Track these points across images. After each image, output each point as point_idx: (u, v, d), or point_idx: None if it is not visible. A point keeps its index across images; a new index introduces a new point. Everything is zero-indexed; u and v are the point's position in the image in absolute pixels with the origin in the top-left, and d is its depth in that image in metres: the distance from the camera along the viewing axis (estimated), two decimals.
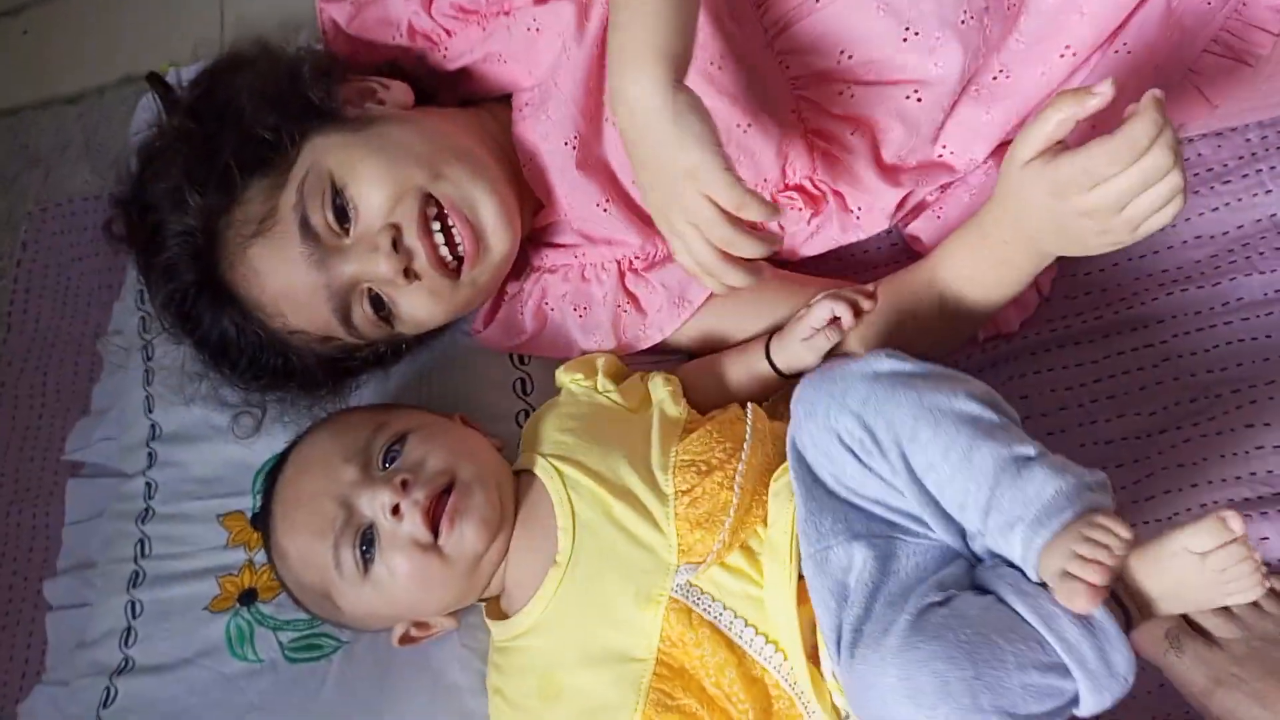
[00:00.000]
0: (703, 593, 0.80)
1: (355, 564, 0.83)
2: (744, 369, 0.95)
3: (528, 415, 1.00)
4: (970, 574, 0.73)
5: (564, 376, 0.96)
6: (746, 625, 0.79)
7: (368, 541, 0.83)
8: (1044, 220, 0.77)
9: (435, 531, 0.82)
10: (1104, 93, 0.71)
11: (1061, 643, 0.66)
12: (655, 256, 0.98)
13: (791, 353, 0.92)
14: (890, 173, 0.95)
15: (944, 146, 0.96)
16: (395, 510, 0.81)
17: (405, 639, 0.89)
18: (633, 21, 0.74)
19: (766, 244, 0.76)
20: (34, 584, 1.16)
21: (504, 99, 1.00)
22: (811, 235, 1.01)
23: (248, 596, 1.00)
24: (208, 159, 0.88)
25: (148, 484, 1.07)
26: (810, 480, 0.77)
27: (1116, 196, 0.72)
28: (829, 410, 0.74)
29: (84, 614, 1.08)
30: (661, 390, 0.92)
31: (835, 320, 0.89)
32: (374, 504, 0.82)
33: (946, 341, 0.93)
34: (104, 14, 1.55)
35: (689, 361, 1.00)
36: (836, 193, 0.98)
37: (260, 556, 1.02)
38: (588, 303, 0.99)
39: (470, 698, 0.90)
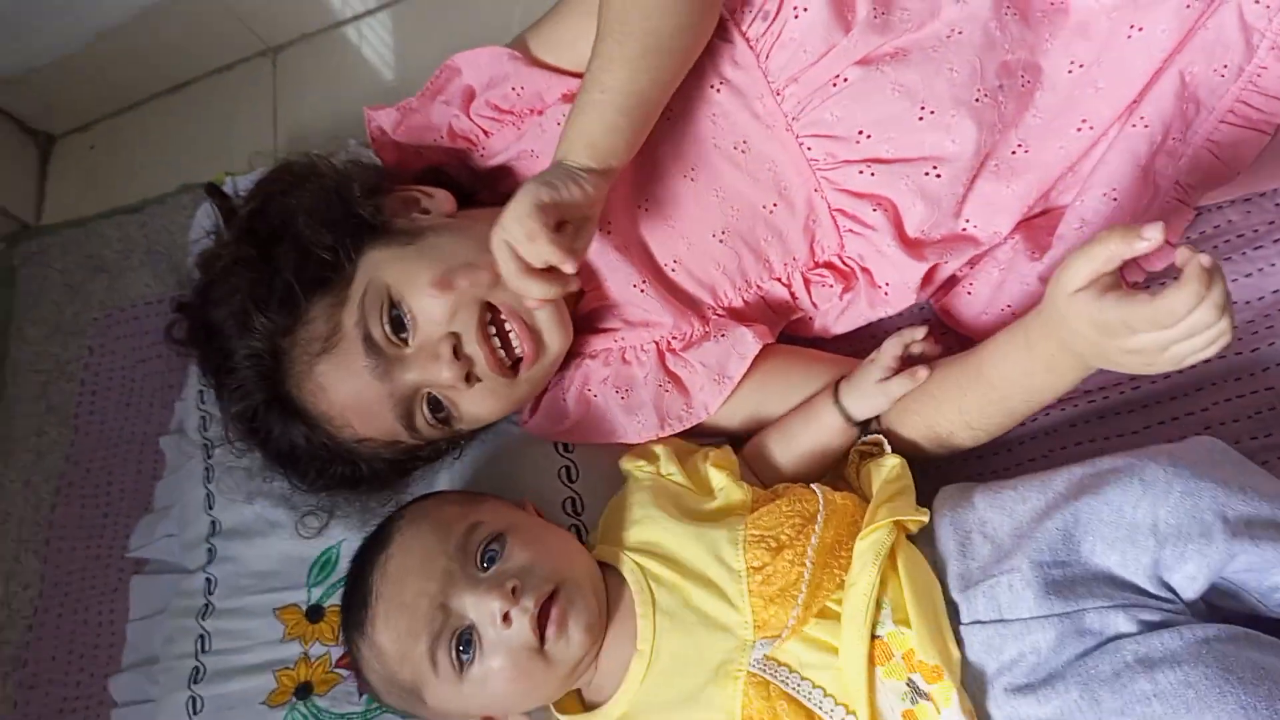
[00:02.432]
0: (780, 664, 0.81)
1: (452, 665, 0.83)
2: (810, 424, 0.96)
3: (574, 502, 1.03)
4: None
5: (628, 465, 0.98)
6: (825, 695, 0.80)
7: (465, 643, 0.83)
8: (1088, 346, 0.77)
9: (540, 635, 0.83)
10: (1153, 238, 0.70)
11: None
12: (692, 336, 1.01)
13: (865, 397, 0.93)
14: (914, 247, 0.97)
15: (967, 220, 0.98)
16: (506, 617, 0.82)
17: None
18: (584, 113, 0.88)
19: (555, 286, 0.85)
20: (100, 680, 1.19)
21: None
22: (843, 312, 1.03)
23: (303, 690, 1.03)
24: (268, 280, 0.92)
25: (208, 579, 1.11)
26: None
27: (1159, 345, 0.73)
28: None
29: (148, 710, 1.11)
30: (720, 478, 0.93)
31: (909, 359, 0.91)
32: (481, 609, 0.83)
33: (988, 432, 0.93)
34: (165, 127, 1.64)
35: (749, 444, 1.01)
36: (865, 269, 1.00)
37: (315, 649, 1.04)
38: (630, 385, 1.01)
39: None
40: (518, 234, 0.83)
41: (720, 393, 0.97)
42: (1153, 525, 0.75)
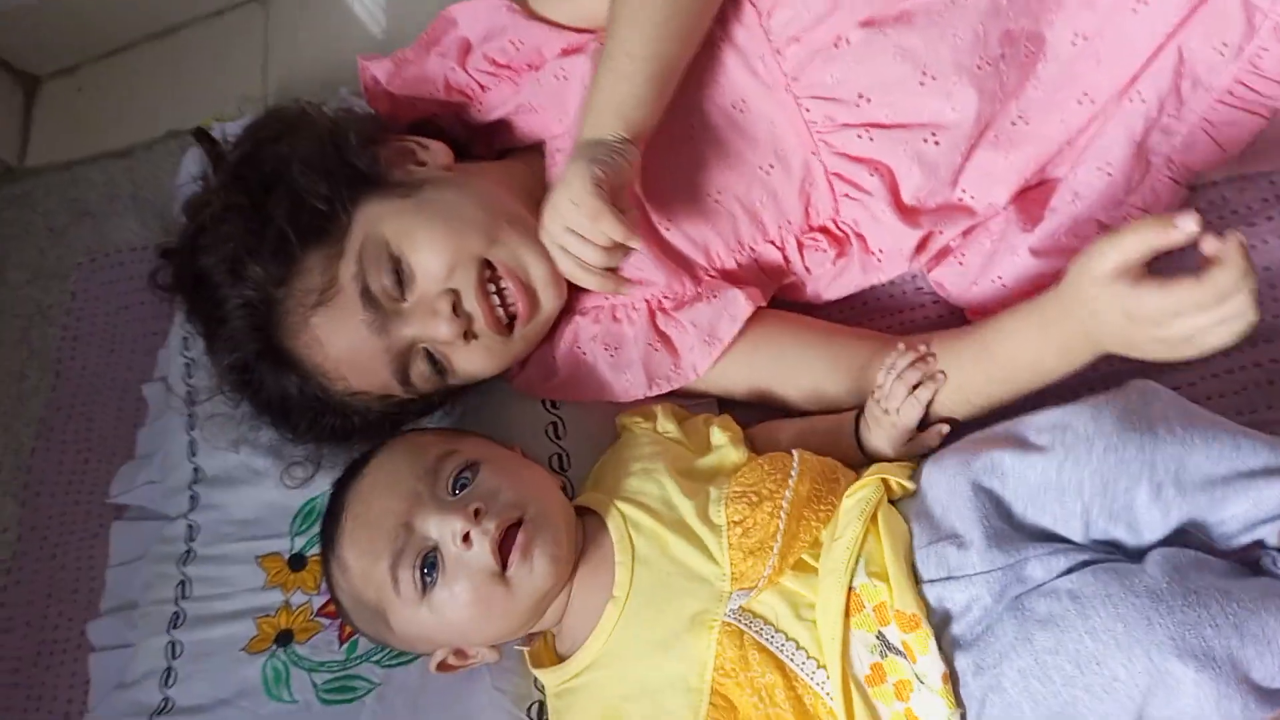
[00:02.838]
0: (755, 616, 0.82)
1: (414, 585, 0.84)
2: (828, 446, 0.94)
3: (560, 458, 1.03)
4: None
5: (625, 420, 0.99)
6: (798, 648, 0.81)
7: (429, 564, 0.84)
8: (1112, 333, 0.77)
9: (503, 563, 0.83)
10: (1187, 229, 0.70)
11: None
12: (684, 296, 1.00)
13: (879, 438, 0.92)
14: (909, 214, 0.97)
15: (963, 190, 0.98)
16: (466, 537, 0.82)
17: (443, 666, 0.91)
18: (614, 83, 0.87)
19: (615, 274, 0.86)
20: (78, 625, 1.18)
21: (535, 146, 1.03)
22: (836, 278, 1.03)
23: (284, 638, 1.02)
24: (260, 229, 0.91)
25: (189, 526, 1.11)
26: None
27: (1191, 331, 0.73)
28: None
29: (126, 655, 1.10)
30: (721, 437, 0.94)
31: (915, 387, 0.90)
32: (443, 529, 0.83)
33: (986, 408, 0.92)
34: (153, 72, 1.60)
35: (762, 424, 1.00)
36: (859, 235, 1.00)
37: (297, 597, 1.04)
38: (619, 343, 1.01)
39: None
40: (578, 217, 0.82)
41: (710, 354, 0.97)
42: (1078, 487, 0.77)
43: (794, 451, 0.89)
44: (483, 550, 0.83)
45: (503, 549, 0.83)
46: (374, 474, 0.88)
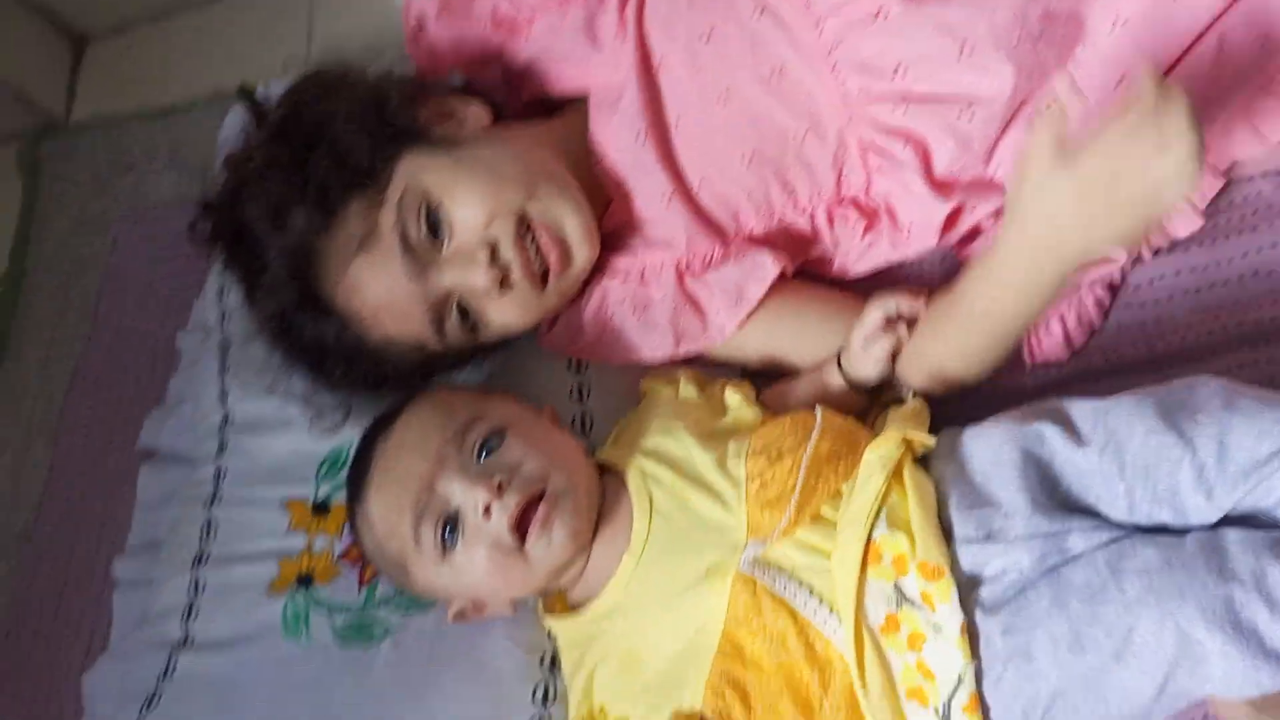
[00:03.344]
0: (769, 566, 0.83)
1: (435, 545, 0.86)
2: (817, 385, 0.98)
3: (583, 420, 1.04)
4: None
5: (649, 384, 1.01)
6: (811, 594, 0.82)
7: (451, 526, 0.86)
8: (1073, 226, 0.78)
9: (522, 534, 0.85)
10: (1063, 87, 0.75)
11: None
12: (711, 258, 1.02)
13: (855, 361, 0.95)
14: (941, 186, 0.98)
15: (997, 167, 0.99)
16: (487, 510, 0.84)
17: (460, 615, 0.92)
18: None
19: None
20: (104, 563, 1.21)
21: (576, 106, 1.05)
22: (864, 253, 1.03)
23: (305, 579, 1.04)
24: (302, 182, 0.93)
25: (217, 470, 1.12)
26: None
27: (1141, 177, 0.73)
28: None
29: (149, 592, 1.12)
30: (734, 397, 0.96)
31: (890, 323, 0.92)
32: (466, 497, 0.85)
33: (981, 362, 0.93)
34: (199, 35, 1.64)
35: (768, 390, 1.02)
36: (889, 209, 1.00)
37: (319, 541, 1.06)
38: (647, 304, 1.02)
39: (513, 685, 0.93)
40: None
41: (737, 315, 0.98)
42: (1120, 471, 0.78)
43: (817, 409, 0.90)
44: (501, 524, 0.84)
45: (522, 522, 0.85)
46: (402, 431, 0.90)
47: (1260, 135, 0.95)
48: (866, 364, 0.95)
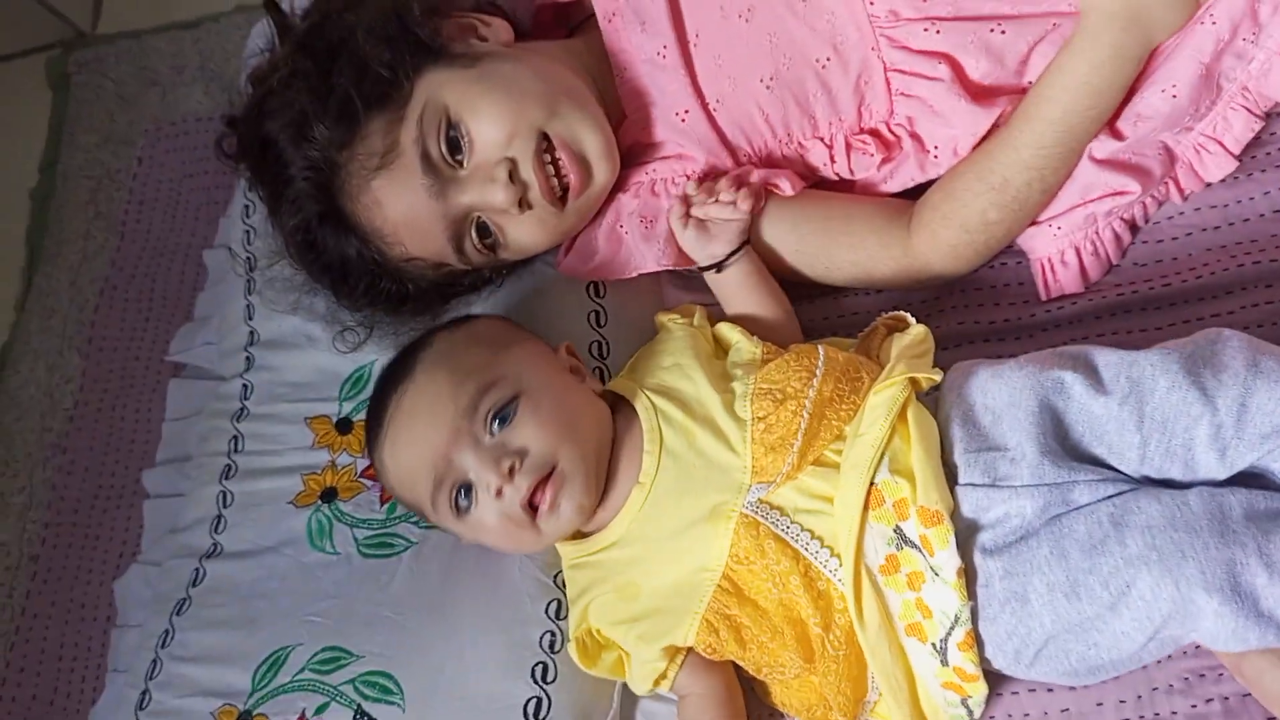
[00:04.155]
0: (772, 508, 0.86)
1: (450, 508, 0.89)
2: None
3: (600, 346, 1.06)
4: None
5: (664, 317, 1.01)
6: (812, 538, 0.85)
7: (466, 489, 0.88)
8: None
9: (533, 510, 0.87)
10: None
11: None
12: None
13: (695, 251, 0.99)
14: (981, 94, 0.96)
15: (1030, 80, 0.97)
16: (499, 492, 0.86)
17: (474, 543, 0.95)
18: None
19: None
20: (134, 474, 1.25)
21: (590, 23, 1.05)
22: (888, 177, 1.03)
23: (329, 494, 1.07)
24: (325, 94, 0.93)
25: (244, 385, 1.15)
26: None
27: None
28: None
29: (178, 503, 1.16)
30: (734, 334, 0.96)
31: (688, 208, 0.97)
32: (479, 474, 0.87)
33: (1047, 166, 0.94)
34: None
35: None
36: (914, 134, 1.00)
37: (343, 458, 1.09)
38: (655, 215, 1.02)
39: (529, 602, 0.96)
40: None
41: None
42: (1138, 423, 0.79)
43: (819, 348, 0.91)
44: (513, 504, 0.87)
45: (532, 499, 0.87)
46: (415, 396, 0.89)
47: None
48: (701, 249, 0.97)
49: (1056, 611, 0.78)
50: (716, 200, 0.96)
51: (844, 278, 1.03)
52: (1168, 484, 0.80)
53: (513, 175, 0.93)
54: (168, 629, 1.05)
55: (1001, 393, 0.84)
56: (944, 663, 0.82)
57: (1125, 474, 0.81)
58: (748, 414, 0.88)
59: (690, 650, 0.89)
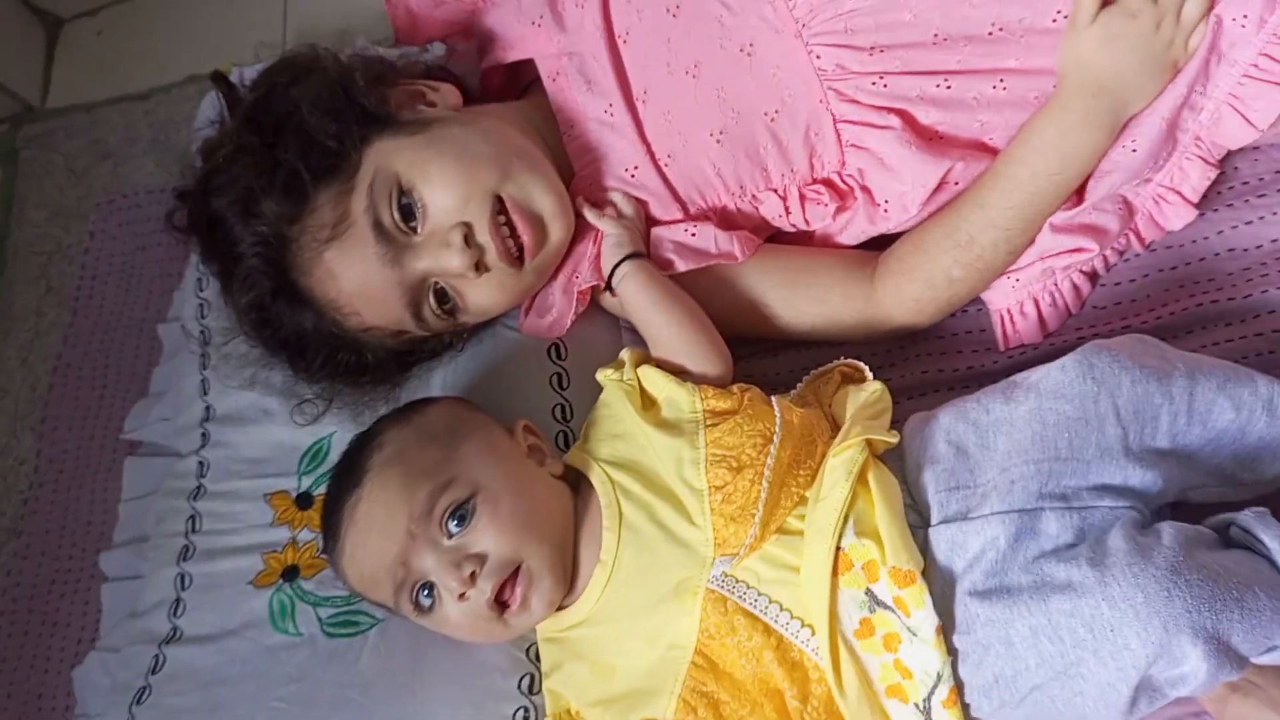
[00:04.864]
0: (738, 581, 0.84)
1: (413, 608, 0.87)
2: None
3: (563, 409, 1.04)
4: None
5: (600, 375, 0.98)
6: (781, 610, 0.83)
7: (427, 588, 0.85)
8: (1104, 64, 0.89)
9: (501, 603, 0.85)
10: None
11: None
12: (674, 219, 1.01)
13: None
14: (933, 141, 0.96)
15: (981, 123, 0.97)
16: (462, 596, 0.84)
17: None
18: None
19: None
20: (91, 556, 1.21)
21: (537, 83, 1.05)
22: (843, 229, 1.03)
23: (290, 573, 1.05)
24: (272, 169, 0.92)
25: (200, 463, 1.13)
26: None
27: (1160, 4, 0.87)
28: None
29: (137, 585, 1.13)
30: (663, 384, 0.93)
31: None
32: (440, 576, 0.84)
33: (1011, 226, 0.95)
34: (173, 16, 1.62)
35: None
36: (864, 187, 1.00)
37: (303, 534, 1.06)
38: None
39: (500, 678, 0.93)
40: None
41: (686, 265, 0.98)
42: (1115, 413, 0.79)
43: (775, 410, 0.89)
44: (479, 605, 0.84)
45: (499, 593, 0.85)
46: (369, 504, 0.86)
47: (1250, 123, 0.95)
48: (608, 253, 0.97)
49: (1041, 655, 0.76)
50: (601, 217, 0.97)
51: (807, 328, 1.03)
52: (1128, 492, 0.80)
53: (468, 239, 0.92)
54: (129, 718, 1.02)
55: (968, 432, 0.84)
56: None
57: (1100, 483, 0.80)
58: (703, 483, 0.86)
59: None
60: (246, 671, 1.00)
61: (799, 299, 1.01)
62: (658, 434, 0.90)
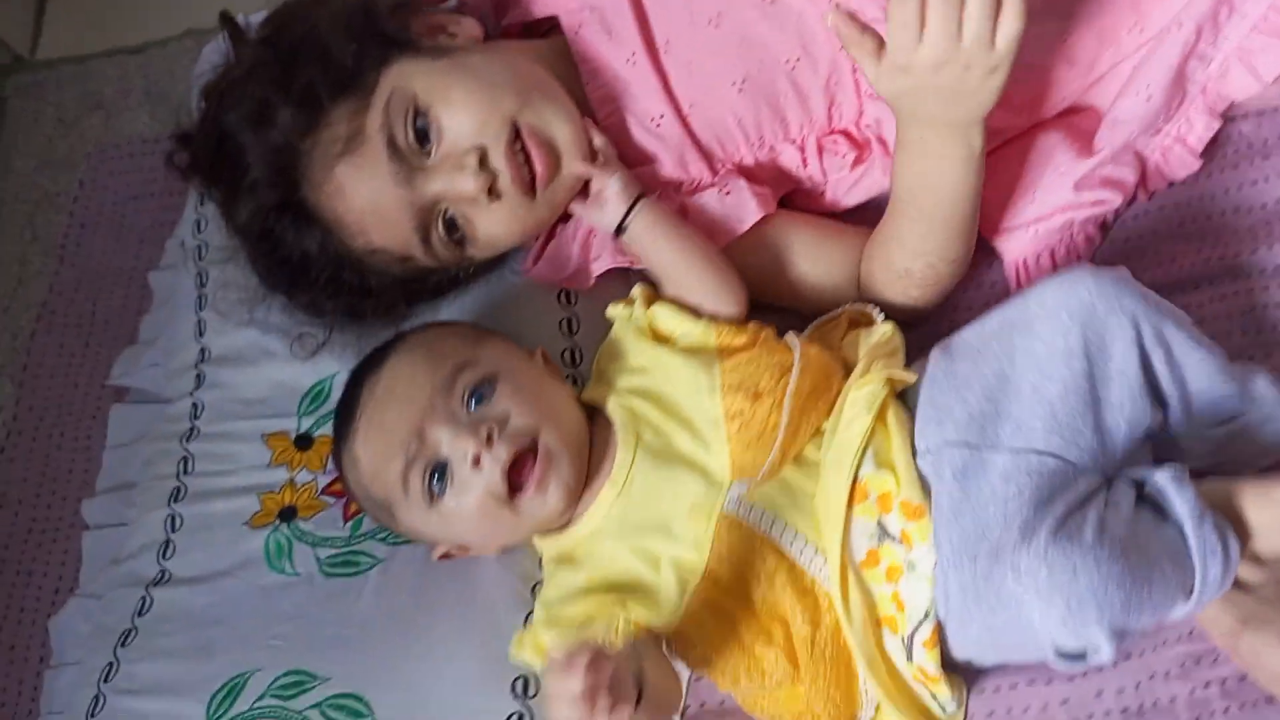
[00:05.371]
0: (754, 505, 0.83)
1: (423, 492, 0.85)
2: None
3: (573, 354, 1.03)
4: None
5: (612, 310, 0.98)
6: (797, 534, 0.83)
7: (439, 473, 0.84)
8: (921, 100, 0.81)
9: (514, 486, 0.83)
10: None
11: (1203, 581, 0.74)
12: (700, 183, 1.01)
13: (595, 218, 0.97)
14: None
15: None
16: (476, 460, 0.82)
17: (445, 556, 0.91)
18: None
19: None
20: (71, 505, 1.17)
21: (558, 32, 1.04)
22: (855, 184, 1.03)
23: (288, 513, 1.02)
24: (287, 84, 0.91)
25: (194, 405, 1.10)
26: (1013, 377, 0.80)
27: (940, 32, 0.75)
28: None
29: (121, 533, 1.09)
30: (675, 319, 0.92)
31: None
32: (455, 447, 0.83)
33: (936, 254, 0.93)
34: None
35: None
36: (880, 138, 1.01)
37: (302, 475, 1.04)
38: None
39: (504, 614, 0.91)
40: None
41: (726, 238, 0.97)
42: (1083, 346, 0.79)
43: (794, 345, 0.89)
44: (493, 475, 0.83)
45: (514, 474, 0.84)
46: (391, 376, 0.88)
47: (1256, 75, 0.97)
48: (600, 216, 0.96)
49: (967, 611, 0.77)
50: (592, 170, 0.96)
51: (825, 292, 1.01)
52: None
53: (482, 163, 0.91)
54: (111, 662, 0.98)
55: (953, 367, 0.84)
56: (909, 658, 0.81)
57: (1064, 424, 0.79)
58: (719, 410, 0.86)
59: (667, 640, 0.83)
60: (240, 611, 0.97)
61: (818, 263, 1.01)
62: (674, 363, 0.90)
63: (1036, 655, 0.78)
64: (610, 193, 0.96)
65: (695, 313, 0.93)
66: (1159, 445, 0.85)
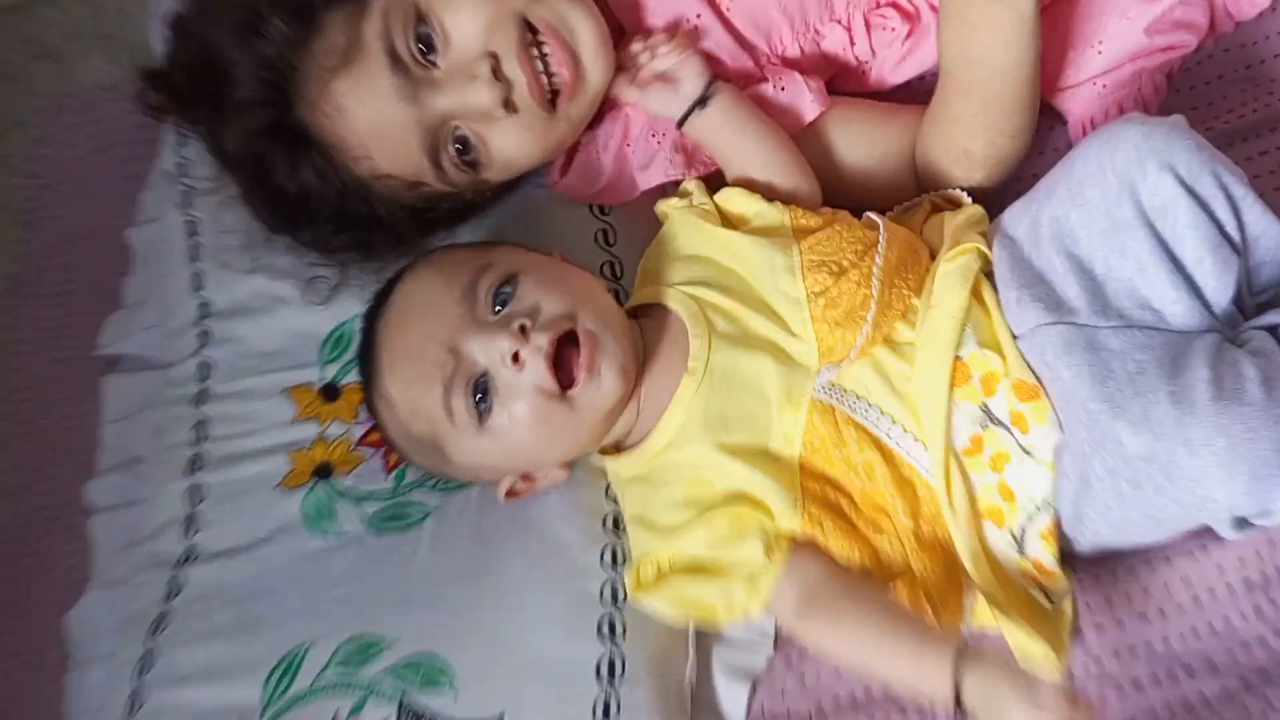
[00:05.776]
0: (846, 391, 0.78)
1: (469, 413, 0.77)
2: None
3: (613, 266, 0.95)
4: None
5: (663, 206, 0.91)
6: (894, 422, 0.77)
7: (482, 390, 0.77)
8: None
9: (564, 383, 0.76)
10: None
11: None
12: (748, 80, 0.94)
13: (656, 105, 0.91)
14: None
15: None
16: (515, 358, 0.75)
17: (511, 494, 0.84)
18: None
19: None
20: (72, 489, 1.07)
21: None
22: (904, 58, 0.97)
23: (323, 470, 0.93)
24: None
25: (201, 365, 1.00)
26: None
27: None
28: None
29: (134, 513, 1.00)
30: (745, 200, 0.87)
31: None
32: (490, 352, 0.76)
33: (995, 127, 0.87)
34: None
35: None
36: (932, 5, 0.93)
37: (333, 429, 0.95)
38: (666, 128, 0.93)
39: (579, 552, 0.84)
40: None
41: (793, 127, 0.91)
42: (1140, 213, 0.73)
43: (878, 219, 0.84)
44: (537, 369, 0.76)
45: (559, 363, 0.76)
46: (403, 300, 0.81)
47: None
48: (673, 99, 0.89)
49: (1120, 495, 0.72)
50: (660, 52, 0.89)
51: (888, 178, 0.95)
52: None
53: (496, 72, 0.82)
54: (146, 652, 0.89)
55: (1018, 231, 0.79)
56: (1021, 553, 0.76)
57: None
58: (801, 290, 0.79)
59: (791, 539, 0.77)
60: (286, 581, 0.89)
61: (873, 150, 0.94)
62: (747, 243, 0.83)
63: (1194, 527, 0.72)
64: (688, 71, 0.88)
65: (768, 194, 0.87)
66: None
